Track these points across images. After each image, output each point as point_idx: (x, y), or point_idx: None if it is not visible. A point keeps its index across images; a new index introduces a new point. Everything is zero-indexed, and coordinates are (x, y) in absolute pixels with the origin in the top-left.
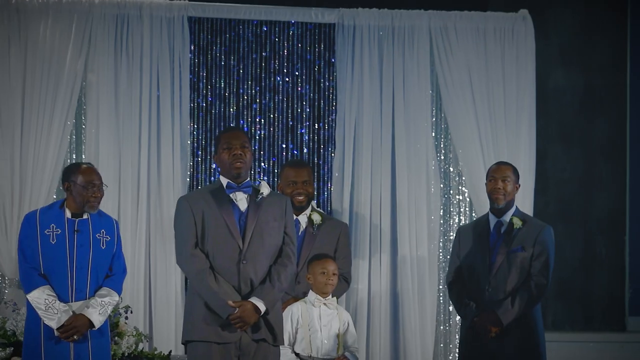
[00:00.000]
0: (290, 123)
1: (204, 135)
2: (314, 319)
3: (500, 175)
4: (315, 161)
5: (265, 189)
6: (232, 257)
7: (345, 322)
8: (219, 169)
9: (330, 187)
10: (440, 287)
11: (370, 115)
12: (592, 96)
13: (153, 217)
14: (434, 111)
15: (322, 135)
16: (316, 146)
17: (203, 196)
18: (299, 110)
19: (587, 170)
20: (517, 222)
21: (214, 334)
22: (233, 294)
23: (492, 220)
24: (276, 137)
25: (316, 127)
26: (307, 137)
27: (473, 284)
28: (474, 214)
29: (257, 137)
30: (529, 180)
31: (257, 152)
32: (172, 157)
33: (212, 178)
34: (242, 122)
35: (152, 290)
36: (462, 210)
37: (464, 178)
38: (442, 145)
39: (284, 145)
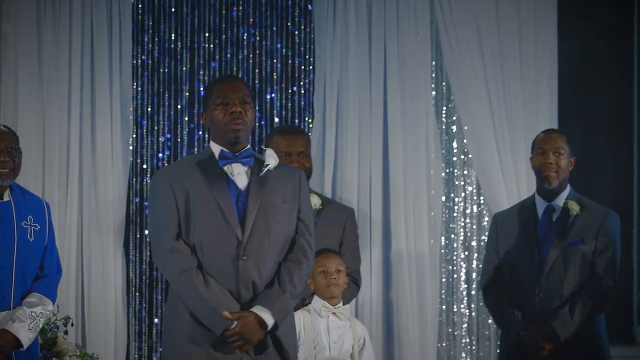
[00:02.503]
0: (258, 85)
1: (149, 100)
2: (320, 333)
3: (551, 146)
4: None
5: (272, 160)
6: (227, 252)
7: (360, 338)
8: (210, 133)
9: None
10: (443, 291)
11: (356, 76)
12: (592, 64)
13: (86, 203)
14: (433, 72)
15: (297, 101)
16: (290, 114)
17: (187, 170)
18: (269, 69)
19: (586, 151)
20: (574, 207)
21: (204, 356)
22: (229, 302)
23: (541, 204)
24: None
25: (290, 90)
26: (278, 104)
27: (518, 288)
28: (481, 201)
29: None
30: None
31: None
32: (111, 127)
33: (161, 155)
34: (197, 84)
35: (86, 295)
36: (467, 195)
37: (470, 156)
38: (443, 115)
39: None
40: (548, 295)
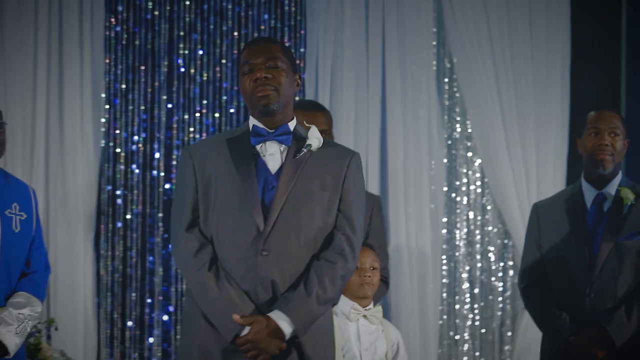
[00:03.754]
0: None
1: (123, 76)
2: (350, 338)
3: (607, 125)
4: None
5: (314, 140)
6: (245, 245)
7: (394, 344)
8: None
9: None
10: (444, 290)
11: (352, 51)
12: (578, 48)
13: (53, 191)
14: (435, 49)
15: None
16: None
17: (215, 147)
18: None
19: (572, 139)
20: (629, 196)
21: None
22: (243, 304)
23: (589, 192)
24: (222, 80)
25: None
26: None
27: (566, 287)
28: (486, 192)
29: (197, 81)
30: (562, 151)
31: (197, 101)
32: (81, 106)
33: (136, 137)
34: (176, 58)
35: (52, 294)
36: (471, 184)
37: (475, 141)
38: (445, 96)
39: (234, 92)
40: (600, 296)
